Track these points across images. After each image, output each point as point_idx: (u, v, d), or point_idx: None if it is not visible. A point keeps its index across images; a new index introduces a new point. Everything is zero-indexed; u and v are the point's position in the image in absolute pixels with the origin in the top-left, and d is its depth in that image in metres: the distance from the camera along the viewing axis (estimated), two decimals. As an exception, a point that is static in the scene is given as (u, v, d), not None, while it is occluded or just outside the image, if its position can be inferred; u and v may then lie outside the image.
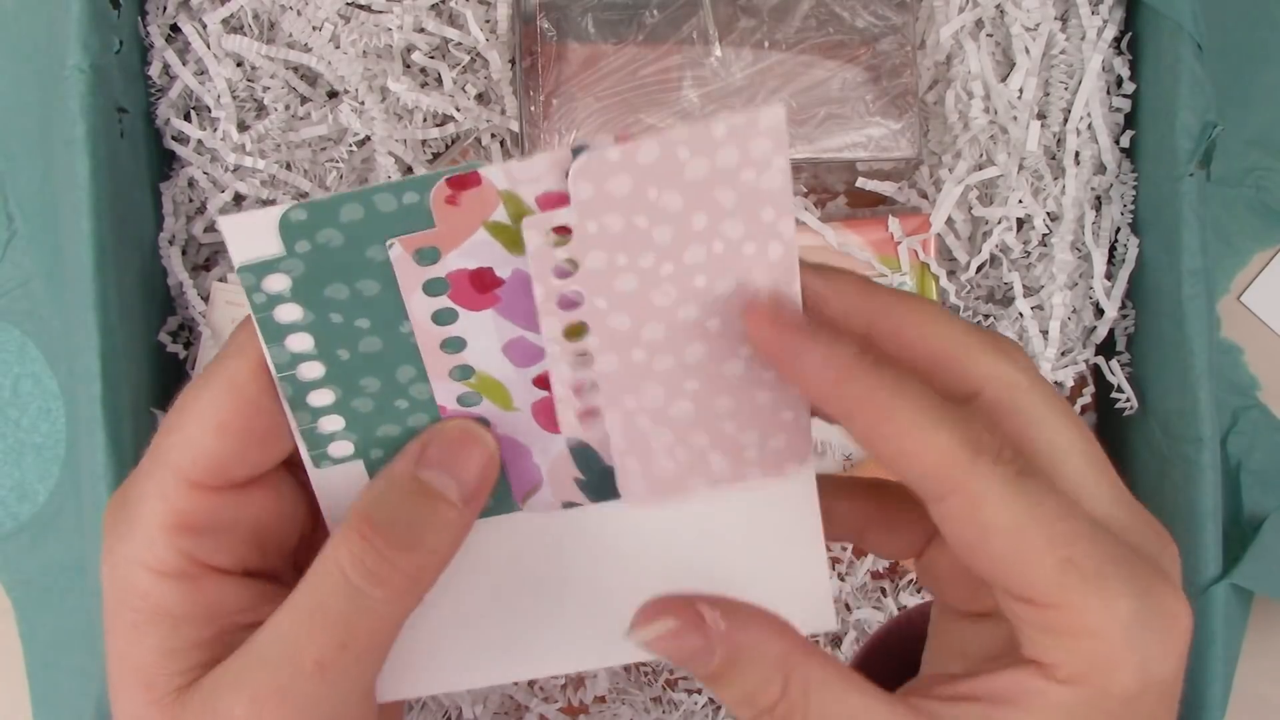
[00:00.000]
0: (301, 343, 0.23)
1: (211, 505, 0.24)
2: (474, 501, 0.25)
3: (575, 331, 0.24)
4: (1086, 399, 0.51)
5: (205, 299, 0.48)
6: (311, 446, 0.25)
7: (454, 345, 0.24)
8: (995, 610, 0.24)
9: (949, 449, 0.22)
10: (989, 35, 0.50)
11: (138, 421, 0.45)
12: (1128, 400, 0.49)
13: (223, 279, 0.49)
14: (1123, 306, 0.50)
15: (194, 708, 0.23)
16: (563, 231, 0.22)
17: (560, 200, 0.22)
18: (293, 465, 0.26)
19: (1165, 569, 0.24)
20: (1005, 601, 0.23)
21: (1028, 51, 0.49)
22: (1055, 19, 0.49)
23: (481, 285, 0.23)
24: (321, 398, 0.24)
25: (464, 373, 0.24)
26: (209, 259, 0.51)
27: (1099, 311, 0.50)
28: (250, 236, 0.22)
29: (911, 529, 0.28)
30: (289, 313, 0.23)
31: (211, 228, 0.50)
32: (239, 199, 0.50)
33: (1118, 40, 0.49)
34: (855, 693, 0.23)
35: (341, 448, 0.25)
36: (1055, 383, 0.49)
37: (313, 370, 0.24)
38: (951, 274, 0.51)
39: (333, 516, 0.26)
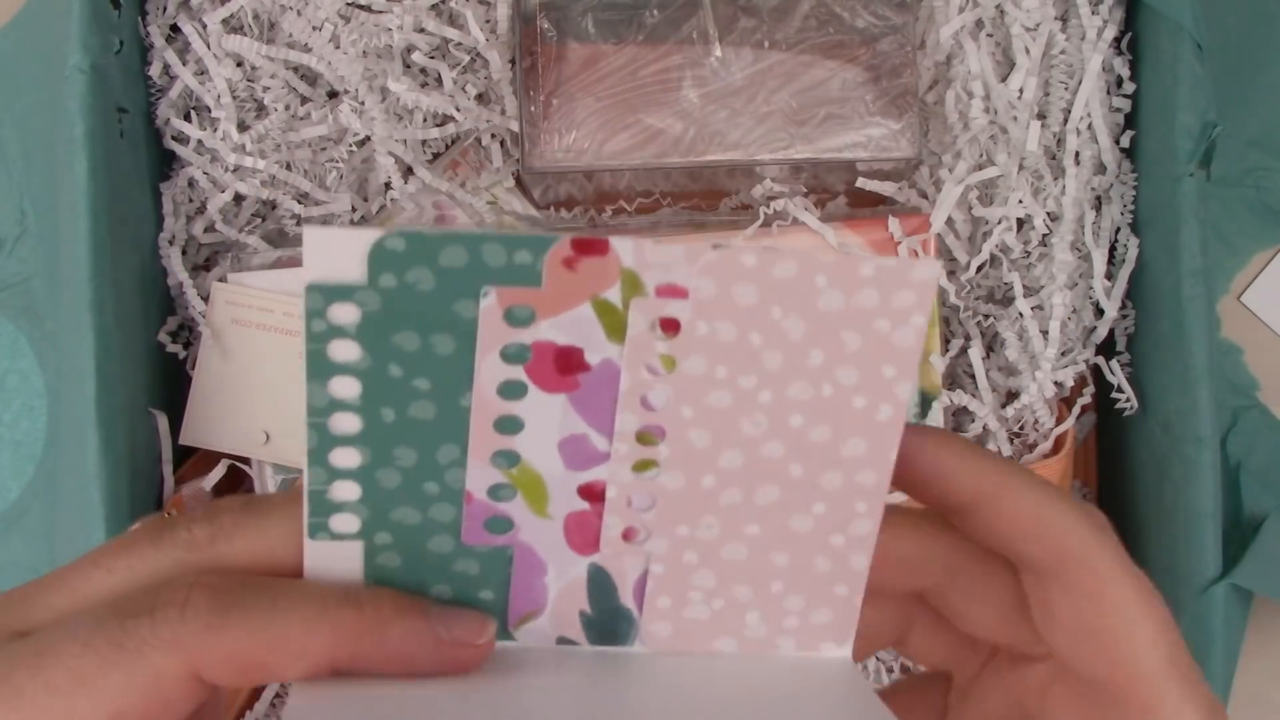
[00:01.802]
0: (346, 389, 0.20)
1: None
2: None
3: (649, 439, 0.22)
4: (1086, 399, 0.51)
5: (205, 299, 0.48)
6: (313, 512, 0.22)
7: (510, 426, 0.21)
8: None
9: (1076, 522, 0.22)
10: (989, 35, 0.50)
11: (134, 422, 0.45)
12: (1128, 400, 0.49)
13: (223, 279, 0.49)
14: (1123, 306, 0.50)
15: None
16: (670, 327, 0.21)
17: (680, 295, 0.20)
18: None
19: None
20: (1093, 687, 0.23)
21: (1028, 51, 0.49)
22: (1055, 19, 0.49)
23: (565, 366, 0.21)
24: (346, 458, 0.21)
25: (508, 460, 0.22)
26: (209, 259, 0.51)
27: (1099, 311, 0.50)
28: (332, 254, 0.19)
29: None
30: (345, 351, 0.20)
31: (212, 228, 0.50)
32: (239, 199, 0.50)
33: (1118, 40, 0.49)
34: None
35: (346, 522, 0.22)
36: (1055, 383, 0.49)
37: (347, 423, 0.21)
38: (951, 274, 0.51)
39: None
